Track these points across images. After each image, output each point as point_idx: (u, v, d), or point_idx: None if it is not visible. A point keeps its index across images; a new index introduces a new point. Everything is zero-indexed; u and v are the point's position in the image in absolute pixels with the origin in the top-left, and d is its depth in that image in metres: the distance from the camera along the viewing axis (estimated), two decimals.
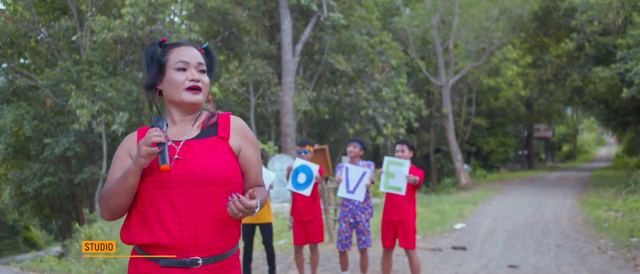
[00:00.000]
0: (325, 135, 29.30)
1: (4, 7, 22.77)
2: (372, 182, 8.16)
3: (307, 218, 8.30)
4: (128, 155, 2.67)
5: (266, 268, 9.28)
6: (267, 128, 26.79)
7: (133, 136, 2.75)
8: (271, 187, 8.93)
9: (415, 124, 28.49)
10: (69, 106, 19.55)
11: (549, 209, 17.87)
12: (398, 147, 8.04)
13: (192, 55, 2.69)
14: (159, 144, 2.45)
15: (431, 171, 34.73)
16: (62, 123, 22.32)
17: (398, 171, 7.48)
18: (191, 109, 2.71)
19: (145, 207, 2.55)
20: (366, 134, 26.37)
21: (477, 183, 29.35)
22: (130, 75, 22.21)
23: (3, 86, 23.34)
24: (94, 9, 20.39)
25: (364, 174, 7.94)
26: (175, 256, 2.52)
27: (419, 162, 38.09)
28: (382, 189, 7.58)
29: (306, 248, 10.05)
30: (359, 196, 7.94)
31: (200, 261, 2.53)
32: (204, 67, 2.72)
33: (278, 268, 10.15)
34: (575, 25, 22.90)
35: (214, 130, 2.70)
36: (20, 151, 24.74)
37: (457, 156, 28.49)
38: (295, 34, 23.73)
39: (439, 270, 9.88)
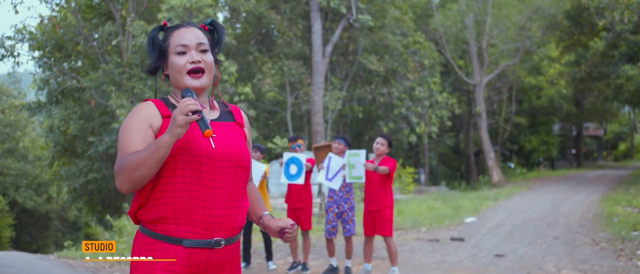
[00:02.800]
0: (361, 133, 30.02)
1: (56, 14, 24.28)
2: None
3: (298, 206, 9.15)
4: (147, 125, 2.56)
5: (264, 254, 10.14)
6: (301, 126, 27.67)
7: (148, 105, 2.64)
8: (266, 176, 9.74)
9: (448, 123, 28.95)
10: (110, 106, 20.77)
11: (566, 205, 18.17)
12: (378, 140, 8.71)
13: (192, 36, 2.63)
14: (196, 112, 2.37)
15: (471, 169, 35.07)
16: (106, 122, 23.63)
17: (357, 162, 8.23)
18: (197, 93, 2.65)
19: (177, 179, 2.50)
20: (400, 132, 27.00)
21: (511, 181, 29.59)
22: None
23: (53, 87, 24.78)
24: (133, 14, 21.55)
25: (341, 169, 8.64)
26: (199, 235, 2.50)
27: (455, 160, 38.46)
28: (348, 179, 8.33)
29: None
30: (335, 184, 8.67)
31: (223, 242, 2.53)
32: (206, 47, 2.66)
33: (279, 254, 10.97)
34: (605, 24, 22.98)
35: (230, 116, 2.76)
36: (68, 149, 26.25)
37: (490, 154, 28.82)
38: (328, 36, 24.54)
39: (427, 258, 10.51)
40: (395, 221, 14.97)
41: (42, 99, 25.50)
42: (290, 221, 2.69)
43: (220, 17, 25.55)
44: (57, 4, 23.23)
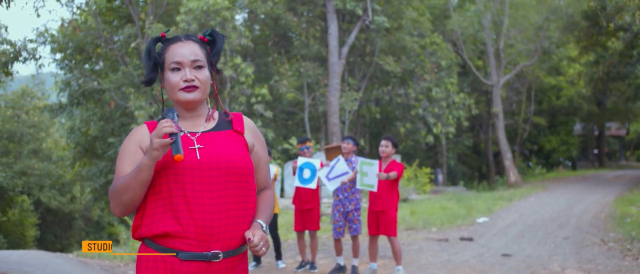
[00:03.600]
0: (379, 134, 30.19)
1: (77, 17, 24.74)
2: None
3: (306, 207, 9.37)
4: (138, 147, 2.61)
5: (274, 253, 10.39)
6: (318, 127, 27.91)
7: (142, 128, 2.69)
8: (276, 178, 9.97)
9: (465, 123, 29.03)
10: (129, 107, 21.14)
11: (580, 205, 18.20)
12: (383, 142, 8.91)
13: (187, 52, 2.61)
14: (171, 135, 2.38)
15: (490, 170, 35.09)
16: (126, 124, 24.00)
17: (370, 170, 8.41)
18: (190, 107, 2.66)
19: (164, 194, 2.50)
20: (417, 133, 27.14)
21: (528, 181, 29.58)
22: None
23: (74, 89, 25.22)
24: (151, 17, 21.91)
25: (345, 173, 8.84)
26: (195, 247, 2.48)
27: (475, 160, 38.46)
28: (358, 186, 8.53)
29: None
30: (332, 186, 8.89)
31: (221, 255, 2.50)
32: (201, 62, 2.64)
33: (289, 254, 11.21)
34: (623, 24, 22.94)
35: (229, 124, 2.72)
36: (88, 150, 26.69)
37: (507, 155, 28.84)
38: (345, 37, 24.76)
39: (434, 257, 10.67)
40: (407, 220, 15.19)
41: (64, 100, 25.97)
42: (249, 236, 2.53)
43: (239, 19, 25.90)
44: (77, 7, 23.69)
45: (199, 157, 2.53)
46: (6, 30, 22.28)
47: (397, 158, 24.11)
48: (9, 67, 22.11)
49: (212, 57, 2.75)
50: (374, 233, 8.78)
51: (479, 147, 39.55)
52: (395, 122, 28.90)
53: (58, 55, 24.60)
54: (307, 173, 9.27)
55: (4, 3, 10.83)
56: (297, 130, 28.61)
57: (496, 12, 28.64)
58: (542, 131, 39.25)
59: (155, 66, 2.68)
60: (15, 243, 33.47)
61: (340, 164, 8.95)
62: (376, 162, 8.55)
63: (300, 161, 9.32)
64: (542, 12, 28.12)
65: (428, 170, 25.78)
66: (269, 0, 23.65)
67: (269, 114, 22.83)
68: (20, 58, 22.11)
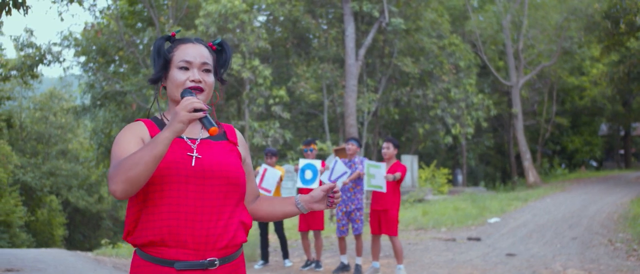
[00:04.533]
0: (398, 134, 30.34)
1: (101, 20, 25.28)
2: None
3: None
4: (139, 139, 2.52)
5: (281, 252, 10.67)
6: (337, 128, 28.14)
7: (138, 124, 2.62)
8: (282, 179, 10.25)
9: (484, 124, 29.05)
10: (150, 109, 21.56)
11: (595, 206, 18.19)
12: (384, 144, 9.15)
13: (197, 54, 2.58)
14: (199, 111, 2.33)
15: (512, 170, 35.02)
16: None
17: (377, 173, 8.68)
18: None
19: (158, 202, 2.43)
20: (436, 133, 27.26)
21: (549, 181, 29.50)
22: None
23: (97, 91, 25.78)
24: (171, 21, 22.33)
25: (344, 173, 9.08)
26: (191, 255, 2.42)
27: (499, 161, 38.37)
28: (366, 187, 8.79)
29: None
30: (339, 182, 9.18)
31: (217, 262, 2.46)
32: (209, 67, 2.61)
33: (296, 253, 11.47)
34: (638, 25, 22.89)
35: (224, 135, 2.70)
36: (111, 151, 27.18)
37: (526, 155, 28.82)
38: (363, 39, 24.98)
39: (438, 256, 10.85)
40: (418, 220, 15.36)
41: (87, 102, 26.51)
42: (329, 185, 2.60)
43: (261, 20, 26.23)
44: (100, 11, 24.21)
45: (193, 165, 2.47)
46: (31, 34, 22.86)
47: (416, 159, 24.25)
48: (34, 70, 22.69)
49: (219, 67, 2.72)
50: (376, 232, 9.00)
51: (503, 147, 39.47)
52: (414, 123, 29.02)
53: (81, 58, 25.16)
54: (309, 174, 9.55)
55: (21, 10, 11.23)
56: (317, 131, 28.87)
57: (516, 13, 28.63)
58: (564, 131, 39.04)
59: (165, 64, 2.61)
60: (44, 242, 34.14)
61: (338, 165, 9.19)
62: (383, 164, 8.81)
63: (302, 162, 9.59)
64: (562, 13, 28.04)
65: (446, 171, 25.88)
66: (286, 3, 23.96)
67: (286, 115, 23.12)
68: (45, 61, 22.67)
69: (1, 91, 23.96)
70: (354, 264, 9.50)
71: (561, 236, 13.00)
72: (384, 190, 8.76)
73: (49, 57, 22.77)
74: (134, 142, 2.50)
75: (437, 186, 24.36)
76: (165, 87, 2.65)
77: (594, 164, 43.50)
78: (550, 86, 35.29)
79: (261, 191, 9.84)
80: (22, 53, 23.73)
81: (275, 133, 22.86)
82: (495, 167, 41.30)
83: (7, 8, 10.98)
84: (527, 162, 28.59)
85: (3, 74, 23.31)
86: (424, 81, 27.01)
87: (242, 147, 2.75)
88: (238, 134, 2.77)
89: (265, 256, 10.47)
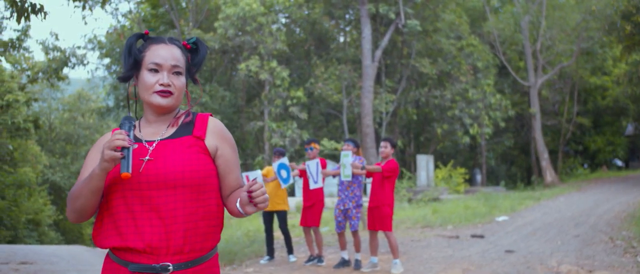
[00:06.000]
0: (418, 134, 30.63)
1: (125, 23, 25.98)
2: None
3: (307, 205, 10.09)
4: (100, 154, 2.48)
5: (286, 248, 11.10)
6: (355, 129, 28.49)
7: (108, 135, 2.62)
8: (267, 176, 10.78)
9: (502, 124, 29.20)
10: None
11: (606, 205, 18.29)
12: (382, 143, 9.53)
13: (168, 56, 2.54)
14: (123, 149, 2.33)
15: (533, 169, 35.04)
16: None
17: (346, 161, 9.07)
18: (161, 111, 2.59)
19: (116, 209, 2.44)
20: (454, 133, 27.50)
21: (567, 181, 29.52)
22: (222, 81, 24.67)
23: (120, 92, 26.41)
24: (191, 24, 22.91)
25: (316, 164, 9.60)
26: (144, 260, 2.41)
27: (523, 160, 38.36)
28: (342, 178, 9.17)
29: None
30: (320, 183, 9.59)
31: (170, 267, 2.41)
32: (180, 69, 2.56)
33: (302, 249, 11.87)
34: None
35: (189, 129, 2.60)
36: None
37: (544, 155, 28.91)
38: (381, 40, 25.33)
39: (438, 252, 11.16)
40: (427, 219, 15.66)
41: (111, 103, 27.16)
42: (247, 185, 2.45)
43: (281, 21, 26.69)
44: (123, 15, 24.91)
45: (141, 171, 2.44)
46: (57, 37, 23.55)
47: (432, 159, 24.48)
48: (60, 72, 23.38)
49: (193, 66, 2.67)
50: (372, 228, 9.35)
51: (526, 147, 39.45)
52: (432, 123, 29.30)
53: (105, 61, 25.87)
54: (283, 174, 10.08)
55: (39, 15, 11.77)
56: (336, 131, 29.26)
57: (534, 14, 28.75)
58: (586, 131, 38.93)
59: (135, 63, 2.57)
60: (72, 240, 34.86)
61: (311, 167, 9.71)
62: (349, 152, 9.23)
63: (275, 165, 10.12)
64: (580, 13, 28.10)
65: (462, 170, 26.08)
66: (304, 6, 24.42)
67: (304, 115, 23.54)
68: (69, 64, 23.36)
69: (29, 93, 24.68)
70: (354, 259, 9.87)
71: (564, 234, 13.20)
72: (350, 179, 9.22)
73: (73, 59, 23.43)
74: (94, 160, 2.55)
75: (453, 185, 24.59)
76: (136, 87, 2.64)
77: (620, 163, 43.20)
78: (572, 85, 35.27)
79: None
80: (49, 56, 24.50)
81: (293, 133, 23.29)
82: (519, 167, 41.24)
83: (25, 14, 11.50)
84: (545, 162, 28.70)
85: (30, 77, 24.10)
86: (442, 81, 27.29)
87: (215, 138, 2.62)
88: (211, 124, 2.64)
89: (270, 252, 10.90)
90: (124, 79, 2.61)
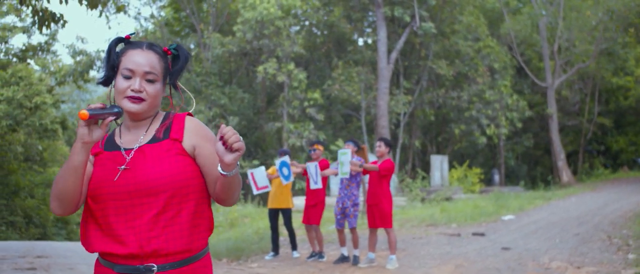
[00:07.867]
0: (436, 135, 31.00)
1: (149, 26, 26.79)
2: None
3: (309, 204, 10.62)
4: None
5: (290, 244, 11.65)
6: (372, 130, 28.95)
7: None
8: (273, 172, 11.31)
9: (519, 125, 29.44)
10: (191, 112, 22.86)
11: (615, 205, 18.45)
12: (377, 143, 10.01)
13: (142, 62, 2.52)
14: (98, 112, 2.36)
15: (554, 169, 35.13)
16: None
17: (345, 159, 9.55)
18: (133, 118, 2.58)
19: (97, 214, 2.47)
20: (471, 134, 27.84)
21: (585, 181, 29.64)
22: (243, 84, 25.33)
23: None
24: (210, 27, 23.59)
25: (315, 167, 10.08)
26: (129, 262, 2.44)
27: (547, 160, 38.38)
28: (340, 176, 9.67)
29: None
30: (319, 184, 10.11)
31: (154, 268, 2.44)
32: (154, 76, 2.54)
33: (305, 245, 12.39)
34: None
35: (167, 133, 2.57)
36: None
37: (560, 155, 29.10)
38: (396, 43, 25.79)
39: (436, 249, 11.58)
40: (434, 217, 16.05)
41: None
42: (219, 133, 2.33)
43: (302, 23, 27.27)
44: (145, 19, 25.68)
45: (119, 180, 2.46)
46: (82, 41, 24.36)
47: (446, 159, 24.80)
48: (86, 75, 24.25)
49: (173, 72, 2.65)
50: (372, 226, 9.82)
51: (546, 147, 39.46)
52: (449, 124, 29.64)
53: None
54: (285, 171, 10.62)
55: (60, 23, 12.44)
56: (355, 133, 29.72)
57: (552, 15, 28.95)
58: (608, 131, 38.86)
59: (113, 68, 2.57)
60: None
61: (310, 169, 10.23)
62: (348, 151, 9.70)
63: (277, 162, 10.64)
64: (597, 14, 28.23)
65: (478, 170, 26.39)
66: (320, 10, 24.96)
67: (321, 117, 24.06)
68: (94, 67, 24.19)
69: (56, 95, 25.53)
70: (352, 255, 10.36)
71: (565, 233, 13.49)
72: (348, 176, 9.69)
73: (98, 63, 24.24)
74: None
75: (469, 185, 24.89)
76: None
77: None
78: (593, 86, 35.33)
79: (263, 192, 10.98)
80: (76, 60, 25.37)
81: (310, 134, 23.83)
82: (543, 167, 41.23)
83: (46, 22, 12.16)
84: (561, 162, 28.89)
85: (58, 79, 24.97)
86: (459, 82, 27.65)
87: (193, 137, 2.58)
88: (188, 123, 2.61)
89: (275, 248, 11.43)
90: (104, 82, 2.62)
